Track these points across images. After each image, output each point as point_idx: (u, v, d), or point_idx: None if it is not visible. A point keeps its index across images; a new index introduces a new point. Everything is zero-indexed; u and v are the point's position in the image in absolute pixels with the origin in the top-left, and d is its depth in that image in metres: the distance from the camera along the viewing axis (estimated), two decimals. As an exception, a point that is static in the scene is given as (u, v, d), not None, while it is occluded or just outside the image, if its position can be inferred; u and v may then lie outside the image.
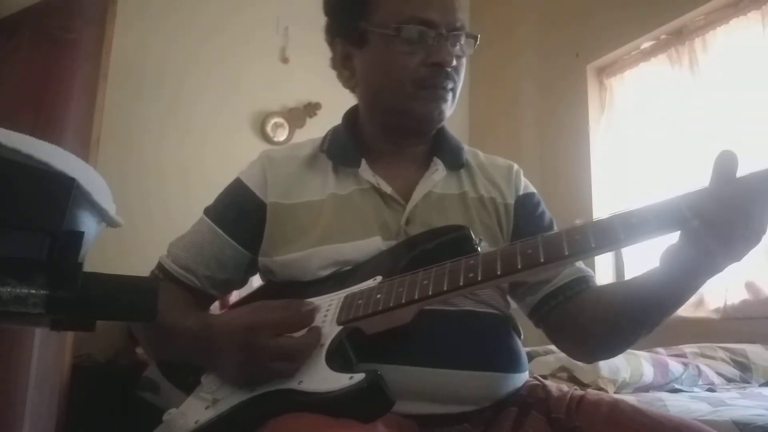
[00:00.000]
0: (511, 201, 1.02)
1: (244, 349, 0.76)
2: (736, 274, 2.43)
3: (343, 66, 1.02)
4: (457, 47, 0.95)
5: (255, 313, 0.80)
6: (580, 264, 0.97)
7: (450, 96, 0.96)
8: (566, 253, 0.70)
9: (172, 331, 0.87)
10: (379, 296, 0.79)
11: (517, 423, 0.86)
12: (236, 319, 0.80)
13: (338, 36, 1.01)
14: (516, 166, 1.08)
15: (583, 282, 0.95)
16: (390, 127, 1.00)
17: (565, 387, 0.93)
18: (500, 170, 1.06)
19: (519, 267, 0.72)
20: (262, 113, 3.45)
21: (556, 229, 1.02)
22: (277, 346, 0.76)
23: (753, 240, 0.67)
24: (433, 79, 0.93)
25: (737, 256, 0.68)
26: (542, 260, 0.71)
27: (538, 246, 0.72)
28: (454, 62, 0.94)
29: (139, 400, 2.07)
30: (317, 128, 2.61)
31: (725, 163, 0.68)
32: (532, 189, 1.06)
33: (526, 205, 1.03)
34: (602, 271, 2.96)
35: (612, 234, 0.68)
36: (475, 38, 0.98)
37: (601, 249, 0.69)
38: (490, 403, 0.87)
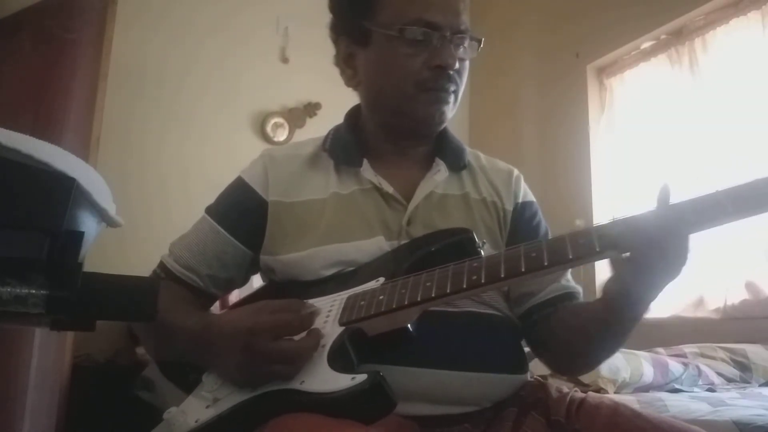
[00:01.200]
0: (510, 207, 1.01)
1: (244, 351, 0.76)
2: (736, 274, 2.43)
3: (346, 64, 1.02)
4: (461, 50, 0.95)
5: (256, 314, 0.80)
6: (568, 281, 0.98)
7: (452, 98, 0.96)
8: (570, 257, 0.70)
9: (173, 330, 0.87)
10: (381, 297, 0.79)
11: (516, 423, 0.86)
12: (237, 321, 0.80)
13: (342, 34, 1.01)
14: (516, 172, 1.07)
15: (567, 299, 0.96)
16: (391, 128, 1.00)
17: (564, 388, 0.93)
18: (501, 174, 1.05)
19: (523, 270, 0.72)
20: (262, 113, 3.45)
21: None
22: (277, 350, 0.76)
23: (675, 265, 0.69)
24: (435, 82, 0.93)
25: (671, 276, 0.70)
26: (546, 263, 0.71)
27: (542, 249, 0.72)
28: (457, 65, 0.93)
29: (135, 398, 2.07)
30: (317, 128, 2.61)
31: (661, 195, 0.69)
32: (531, 197, 1.06)
33: (523, 214, 1.03)
34: (603, 276, 2.95)
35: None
36: (479, 41, 0.98)
37: (603, 255, 0.69)
38: (490, 404, 0.87)
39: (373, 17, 0.95)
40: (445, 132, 1.04)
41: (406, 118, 0.97)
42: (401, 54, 0.93)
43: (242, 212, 0.98)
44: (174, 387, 0.90)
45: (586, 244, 0.70)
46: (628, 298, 0.75)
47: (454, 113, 0.99)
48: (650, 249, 0.68)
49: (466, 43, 0.96)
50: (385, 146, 1.02)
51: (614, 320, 0.80)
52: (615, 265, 0.73)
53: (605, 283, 0.76)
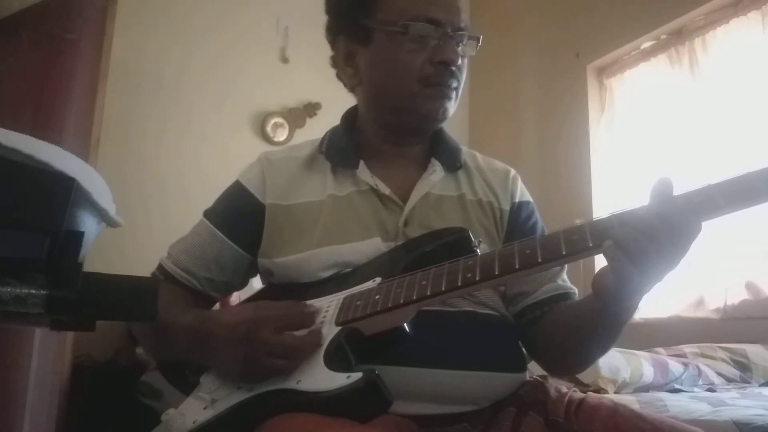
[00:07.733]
0: (506, 207, 1.02)
1: (244, 341, 0.76)
2: (736, 274, 2.43)
3: (346, 64, 1.02)
4: (461, 47, 0.96)
5: (258, 309, 0.81)
6: (564, 281, 0.98)
7: (454, 95, 0.97)
8: (563, 253, 0.70)
9: (172, 327, 0.87)
10: (377, 297, 0.79)
11: (515, 423, 0.86)
12: (239, 314, 0.81)
13: (341, 34, 1.01)
14: (513, 172, 1.07)
15: (562, 299, 0.96)
16: (392, 126, 1.00)
17: (563, 388, 0.93)
18: (497, 174, 1.06)
19: (517, 267, 0.72)
20: (262, 113, 3.45)
21: None
22: (279, 342, 0.76)
23: (671, 260, 0.67)
24: (439, 78, 0.94)
25: (668, 268, 0.68)
26: (540, 260, 0.71)
27: (536, 246, 0.72)
28: (459, 61, 0.94)
29: (135, 399, 2.07)
30: (317, 128, 2.61)
31: (660, 188, 0.69)
32: (528, 197, 1.06)
33: (520, 214, 1.03)
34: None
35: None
36: (477, 39, 0.99)
37: (598, 249, 0.69)
38: (489, 403, 0.87)
39: (374, 15, 0.96)
40: (440, 132, 1.04)
41: (408, 114, 0.97)
42: (404, 50, 0.93)
43: (240, 216, 0.99)
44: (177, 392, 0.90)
45: (579, 240, 0.70)
46: (619, 289, 0.71)
47: (454, 110, 0.99)
48: (643, 236, 0.66)
49: (465, 40, 0.97)
50: (381, 147, 1.02)
51: (605, 313, 0.78)
52: (607, 254, 0.69)
53: (596, 275, 0.73)
